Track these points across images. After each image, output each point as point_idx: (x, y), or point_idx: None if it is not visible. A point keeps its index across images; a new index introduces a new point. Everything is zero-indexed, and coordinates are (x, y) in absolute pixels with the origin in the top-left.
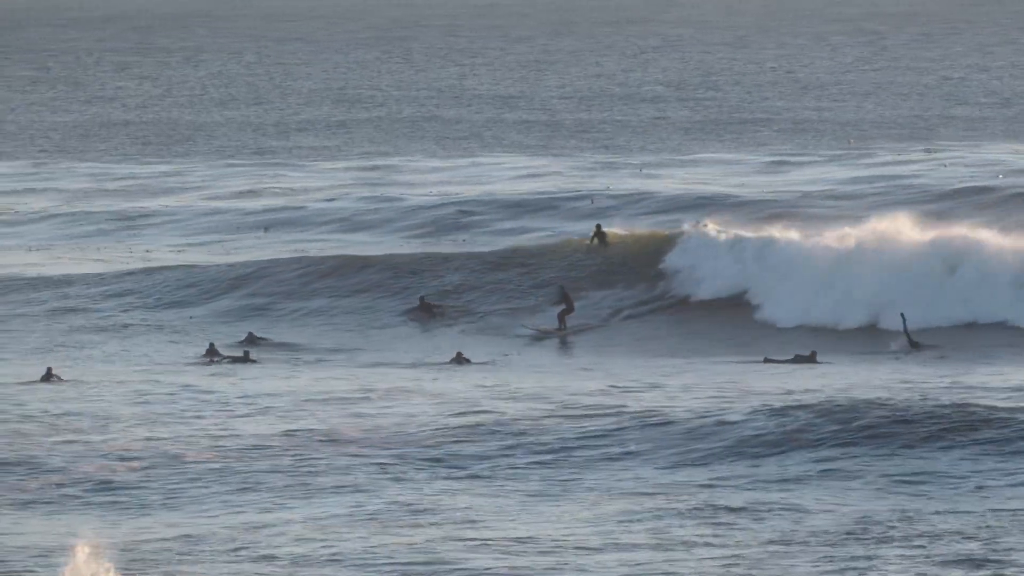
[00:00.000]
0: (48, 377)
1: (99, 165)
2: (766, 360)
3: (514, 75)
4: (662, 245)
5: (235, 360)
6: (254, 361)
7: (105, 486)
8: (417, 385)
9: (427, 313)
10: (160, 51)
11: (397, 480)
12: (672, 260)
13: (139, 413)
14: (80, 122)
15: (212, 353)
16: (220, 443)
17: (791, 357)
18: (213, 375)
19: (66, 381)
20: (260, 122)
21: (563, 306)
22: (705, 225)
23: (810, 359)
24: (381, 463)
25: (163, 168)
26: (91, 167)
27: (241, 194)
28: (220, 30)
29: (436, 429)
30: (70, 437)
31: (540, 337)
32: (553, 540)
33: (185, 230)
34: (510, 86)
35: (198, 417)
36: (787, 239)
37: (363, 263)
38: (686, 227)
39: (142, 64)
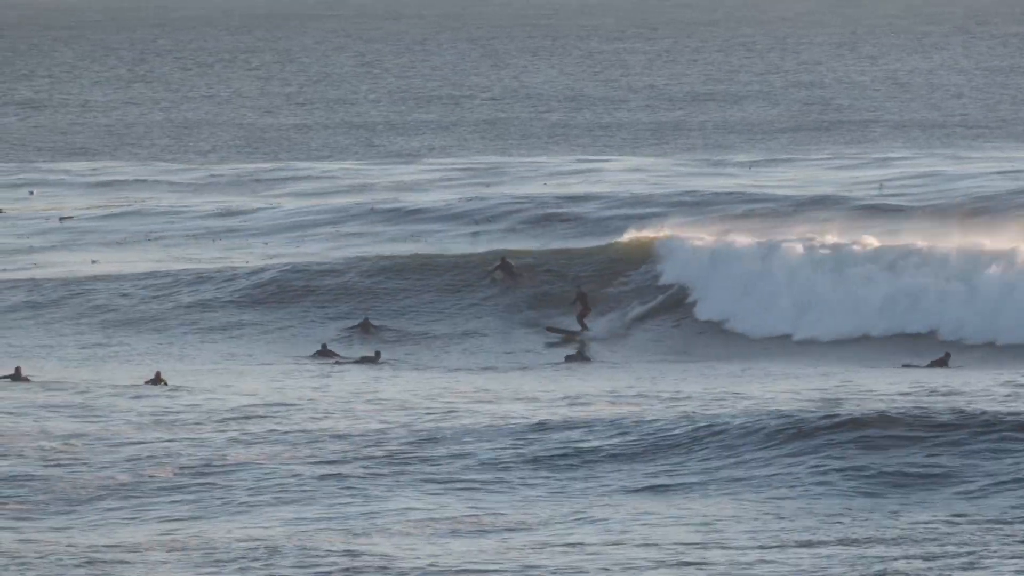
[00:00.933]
0: (157, 380)
1: (213, 164)
2: (904, 366)
3: (613, 72)
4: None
5: (363, 360)
6: (381, 361)
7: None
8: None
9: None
10: (261, 51)
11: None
12: None
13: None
14: (193, 120)
15: (326, 354)
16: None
17: (927, 363)
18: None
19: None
20: (373, 121)
21: (580, 308)
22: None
23: (942, 362)
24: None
25: (271, 165)
26: (204, 165)
27: (352, 188)
28: (326, 29)
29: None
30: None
31: (567, 340)
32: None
33: (292, 228)
34: (609, 84)
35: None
36: None
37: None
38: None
39: (253, 63)
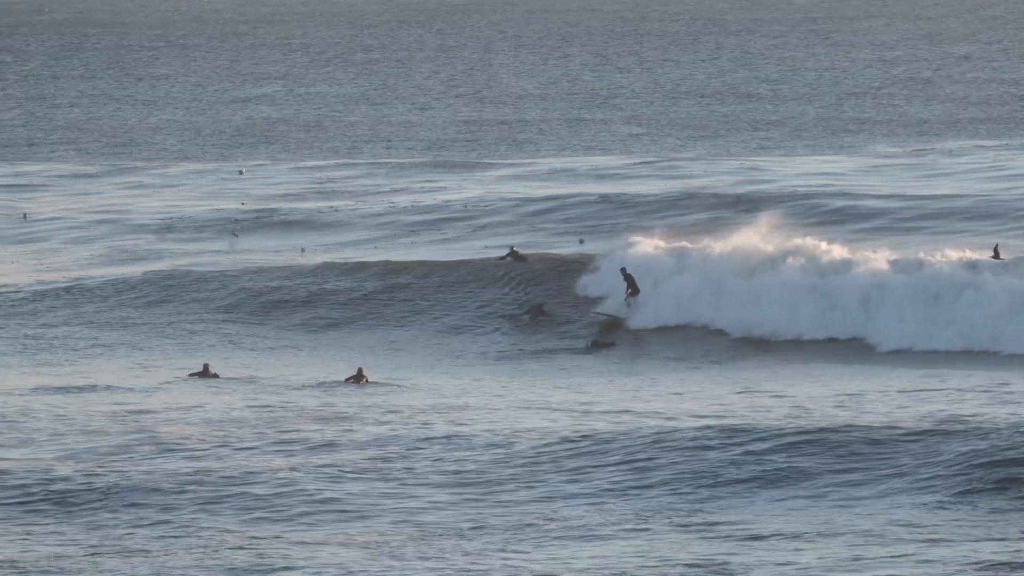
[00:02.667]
0: (359, 378)
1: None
2: None
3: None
4: None
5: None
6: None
7: None
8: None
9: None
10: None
11: None
12: None
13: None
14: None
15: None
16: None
17: None
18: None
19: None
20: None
21: (628, 289)
22: None
23: None
24: None
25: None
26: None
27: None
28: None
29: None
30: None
31: (613, 322)
32: None
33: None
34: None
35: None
36: None
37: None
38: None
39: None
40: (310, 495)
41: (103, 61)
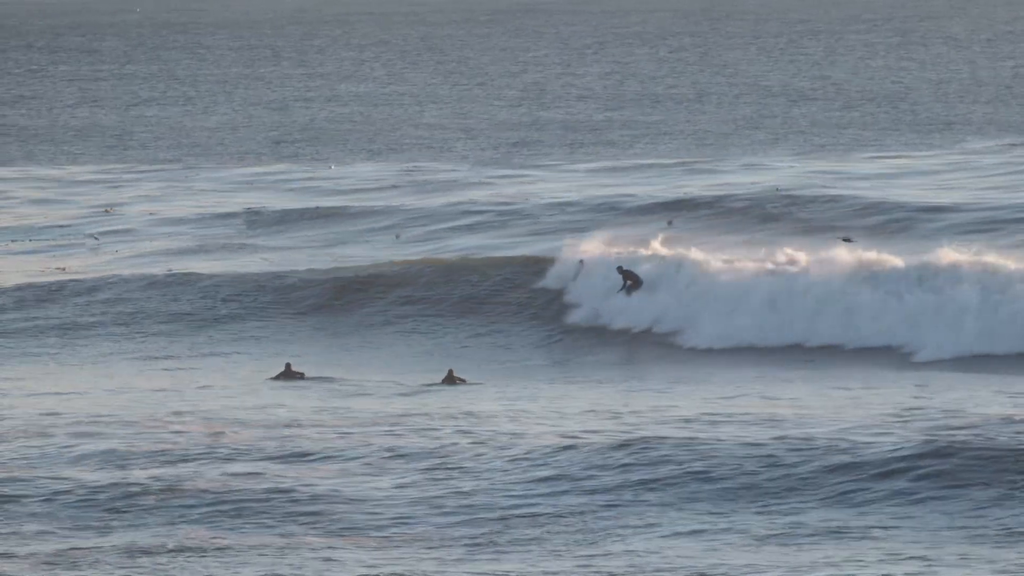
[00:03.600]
0: (453, 379)
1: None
2: None
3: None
4: None
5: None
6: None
7: None
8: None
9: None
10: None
11: None
12: None
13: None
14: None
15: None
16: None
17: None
18: None
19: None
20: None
21: (628, 283)
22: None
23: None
24: None
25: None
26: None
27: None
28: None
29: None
30: None
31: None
32: None
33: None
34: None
35: None
36: None
37: None
38: None
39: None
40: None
41: (190, 60)
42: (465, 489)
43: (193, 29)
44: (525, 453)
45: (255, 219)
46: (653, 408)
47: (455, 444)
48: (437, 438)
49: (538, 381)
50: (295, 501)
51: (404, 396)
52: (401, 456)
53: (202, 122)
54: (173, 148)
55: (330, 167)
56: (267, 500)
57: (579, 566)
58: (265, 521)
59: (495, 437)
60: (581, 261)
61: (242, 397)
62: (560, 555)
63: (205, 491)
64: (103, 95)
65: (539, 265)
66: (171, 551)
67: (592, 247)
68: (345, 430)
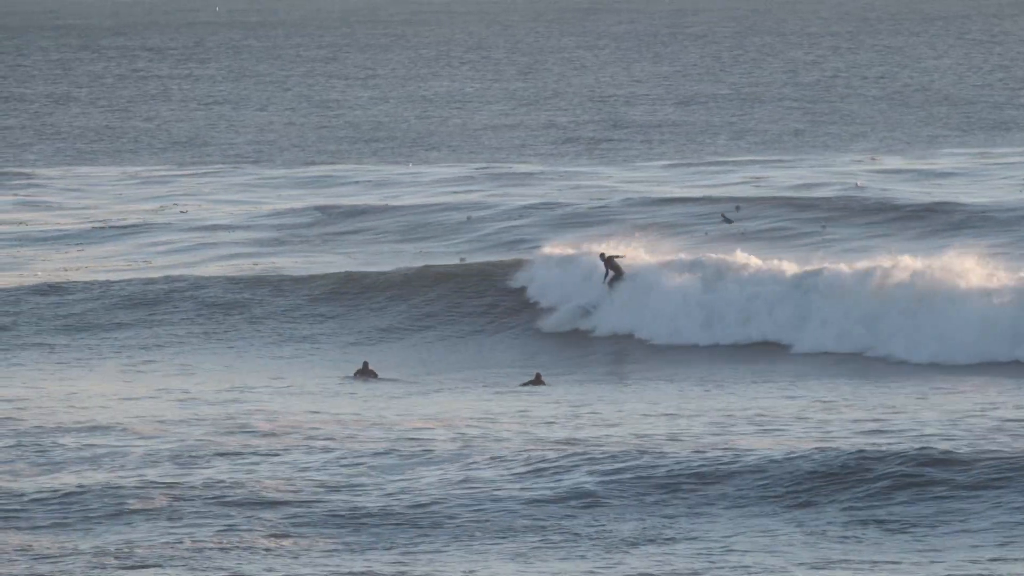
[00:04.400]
0: (538, 381)
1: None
2: None
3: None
4: None
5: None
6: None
7: None
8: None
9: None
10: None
11: None
12: None
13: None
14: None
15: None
16: None
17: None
18: None
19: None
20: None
21: (610, 274)
22: None
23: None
24: None
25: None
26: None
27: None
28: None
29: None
30: None
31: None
32: None
33: None
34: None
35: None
36: None
37: None
38: None
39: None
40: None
41: (270, 59)
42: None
43: (266, 28)
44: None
45: (331, 215)
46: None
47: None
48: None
49: None
50: None
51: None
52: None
53: (288, 118)
54: (252, 144)
55: (408, 165)
56: None
57: None
58: None
59: None
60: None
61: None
62: None
63: None
64: (193, 95)
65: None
66: None
67: (559, 248)
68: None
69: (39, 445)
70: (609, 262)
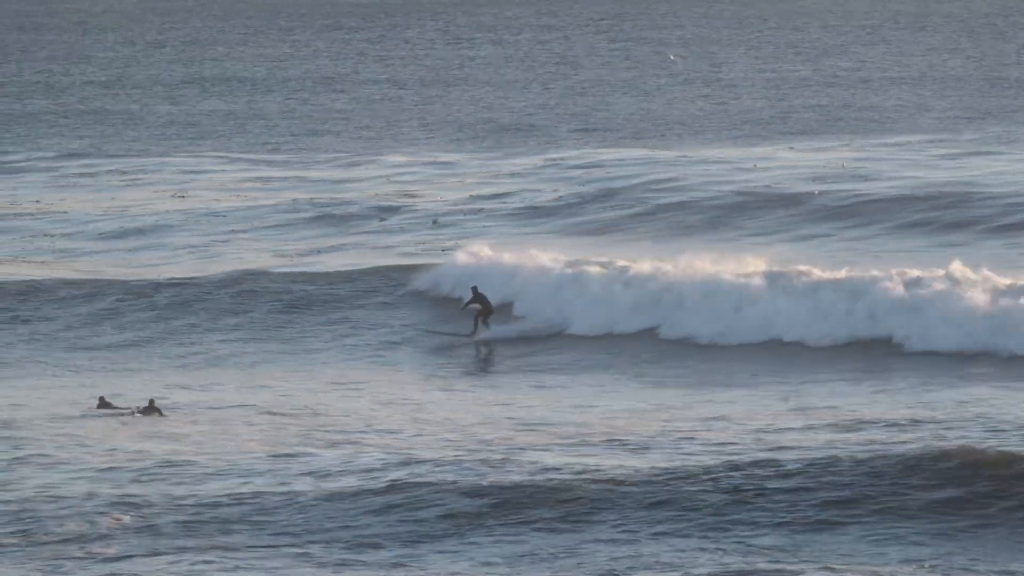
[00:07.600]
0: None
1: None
2: None
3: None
4: None
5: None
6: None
7: None
8: None
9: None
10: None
11: None
12: None
13: None
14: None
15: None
16: None
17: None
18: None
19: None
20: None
21: (477, 306)
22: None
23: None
24: None
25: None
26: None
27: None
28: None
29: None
30: None
31: (453, 344)
32: None
33: None
34: None
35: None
36: None
37: None
38: None
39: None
40: None
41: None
42: None
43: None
44: None
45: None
46: None
47: None
48: None
49: None
50: None
51: None
52: None
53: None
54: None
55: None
56: None
57: None
58: None
59: None
60: None
61: None
62: None
63: None
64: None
65: None
66: None
67: (479, 251)
68: None
69: None
70: (480, 297)
